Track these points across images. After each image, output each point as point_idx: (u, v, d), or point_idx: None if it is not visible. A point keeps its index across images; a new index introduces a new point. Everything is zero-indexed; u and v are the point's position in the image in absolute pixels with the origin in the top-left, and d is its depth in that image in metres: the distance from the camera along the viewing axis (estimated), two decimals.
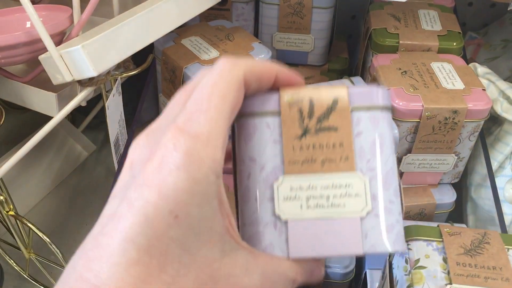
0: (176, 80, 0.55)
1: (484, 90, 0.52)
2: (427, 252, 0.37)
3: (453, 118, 0.50)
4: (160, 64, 0.58)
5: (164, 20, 0.50)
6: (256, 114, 0.26)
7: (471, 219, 0.60)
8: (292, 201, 0.25)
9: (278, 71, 0.25)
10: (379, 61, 0.57)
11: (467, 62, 0.59)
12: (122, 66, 0.54)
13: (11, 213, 0.56)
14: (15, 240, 0.58)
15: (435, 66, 0.55)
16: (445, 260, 0.37)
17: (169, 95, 0.58)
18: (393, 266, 0.39)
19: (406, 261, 0.38)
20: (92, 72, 0.45)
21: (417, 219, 0.57)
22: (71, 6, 0.49)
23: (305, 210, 0.25)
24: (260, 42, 0.58)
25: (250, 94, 0.25)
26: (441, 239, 0.38)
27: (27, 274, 0.62)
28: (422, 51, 0.59)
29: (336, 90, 0.26)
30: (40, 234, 0.55)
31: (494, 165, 0.58)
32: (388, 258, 0.41)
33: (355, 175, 0.25)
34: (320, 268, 0.27)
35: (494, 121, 0.62)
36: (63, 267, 0.59)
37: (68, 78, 0.46)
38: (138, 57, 0.54)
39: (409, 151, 0.53)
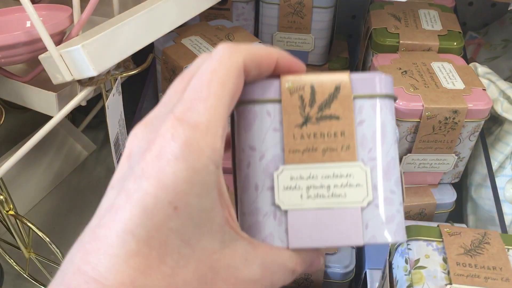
0: None
1: (485, 90, 0.52)
2: (427, 252, 0.37)
3: (454, 118, 0.50)
4: (160, 64, 0.58)
5: (164, 20, 0.50)
6: (256, 102, 0.25)
7: (471, 219, 0.60)
8: (292, 191, 0.25)
9: (279, 56, 0.24)
10: (380, 61, 0.56)
11: (468, 62, 0.59)
12: (122, 65, 0.54)
13: (11, 212, 0.56)
14: (15, 239, 0.58)
15: (436, 66, 0.55)
16: (445, 260, 0.37)
17: None
18: (393, 266, 0.39)
19: (406, 261, 0.38)
20: (92, 72, 0.45)
21: (417, 219, 0.57)
22: (71, 6, 0.49)
23: (305, 200, 0.25)
24: (260, 42, 0.59)
25: (250, 81, 0.25)
26: (441, 239, 0.38)
27: (27, 274, 0.62)
28: (423, 51, 0.59)
29: (338, 76, 0.25)
30: (40, 233, 0.55)
31: (495, 165, 0.58)
32: (388, 258, 0.41)
33: (357, 164, 0.25)
34: (319, 258, 0.27)
35: (494, 121, 0.62)
36: None
37: (68, 78, 0.46)
38: (138, 57, 0.54)
39: (409, 151, 0.53)
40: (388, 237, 0.25)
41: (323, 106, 0.25)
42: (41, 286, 0.62)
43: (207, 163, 0.21)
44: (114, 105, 0.53)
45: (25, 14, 0.51)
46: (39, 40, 0.45)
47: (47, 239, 0.55)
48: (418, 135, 0.51)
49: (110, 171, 0.77)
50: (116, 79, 0.53)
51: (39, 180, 0.72)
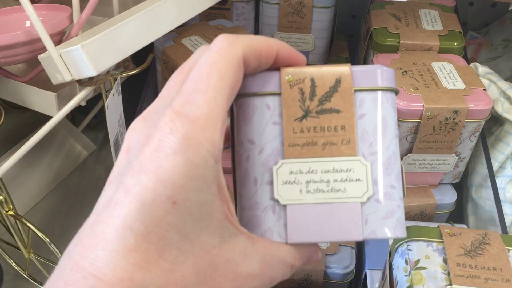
0: None
1: (485, 90, 0.52)
2: (427, 253, 0.37)
3: (454, 118, 0.50)
4: (160, 64, 0.58)
5: (164, 20, 0.50)
6: (256, 94, 0.25)
7: (471, 219, 0.60)
8: (292, 185, 0.24)
9: (279, 48, 0.24)
10: (380, 61, 0.56)
11: (468, 62, 0.59)
12: (121, 65, 0.54)
13: (11, 212, 0.56)
14: (15, 240, 0.58)
15: (436, 66, 0.55)
16: (445, 261, 0.37)
17: None
18: (393, 266, 0.39)
19: (406, 262, 0.37)
20: (91, 72, 0.45)
21: (418, 220, 0.57)
22: (71, 6, 0.49)
23: (304, 194, 0.24)
24: None
25: (250, 73, 0.24)
26: (441, 240, 0.38)
27: (26, 274, 0.62)
28: (423, 50, 0.59)
29: (339, 68, 0.25)
30: (40, 234, 0.55)
31: (495, 165, 0.58)
32: (388, 258, 0.41)
33: (357, 159, 0.24)
34: (317, 252, 0.27)
35: (495, 121, 0.62)
36: None
37: (68, 78, 0.46)
38: (138, 57, 0.54)
39: (409, 151, 0.53)
40: (388, 232, 0.24)
41: (323, 99, 0.24)
42: (41, 287, 0.62)
43: (206, 157, 0.20)
44: (113, 105, 0.53)
45: (24, 14, 0.51)
46: (39, 40, 0.45)
47: (47, 239, 0.55)
48: (419, 135, 0.51)
49: (109, 171, 0.76)
50: (116, 79, 0.53)
51: (39, 180, 0.72)
